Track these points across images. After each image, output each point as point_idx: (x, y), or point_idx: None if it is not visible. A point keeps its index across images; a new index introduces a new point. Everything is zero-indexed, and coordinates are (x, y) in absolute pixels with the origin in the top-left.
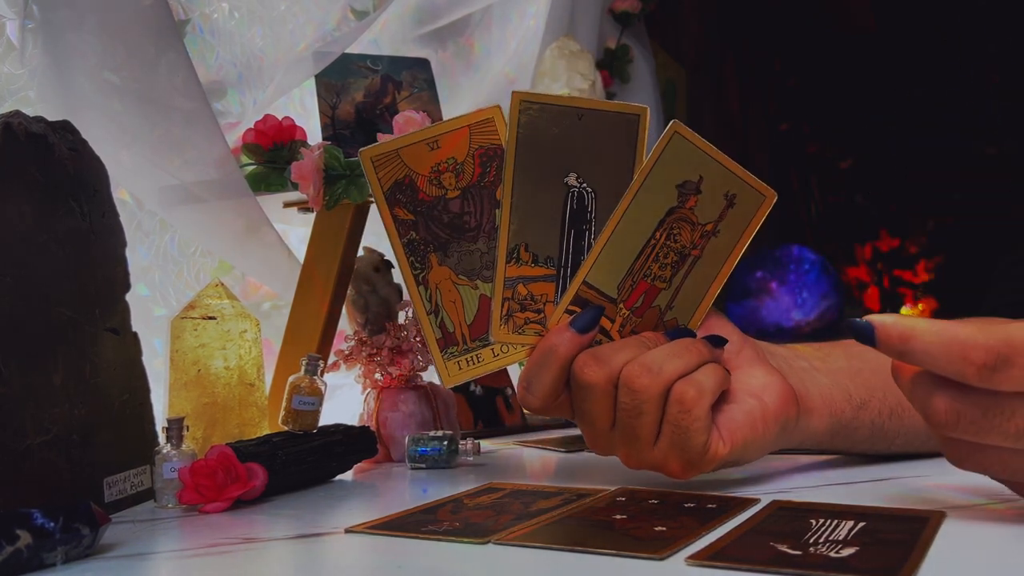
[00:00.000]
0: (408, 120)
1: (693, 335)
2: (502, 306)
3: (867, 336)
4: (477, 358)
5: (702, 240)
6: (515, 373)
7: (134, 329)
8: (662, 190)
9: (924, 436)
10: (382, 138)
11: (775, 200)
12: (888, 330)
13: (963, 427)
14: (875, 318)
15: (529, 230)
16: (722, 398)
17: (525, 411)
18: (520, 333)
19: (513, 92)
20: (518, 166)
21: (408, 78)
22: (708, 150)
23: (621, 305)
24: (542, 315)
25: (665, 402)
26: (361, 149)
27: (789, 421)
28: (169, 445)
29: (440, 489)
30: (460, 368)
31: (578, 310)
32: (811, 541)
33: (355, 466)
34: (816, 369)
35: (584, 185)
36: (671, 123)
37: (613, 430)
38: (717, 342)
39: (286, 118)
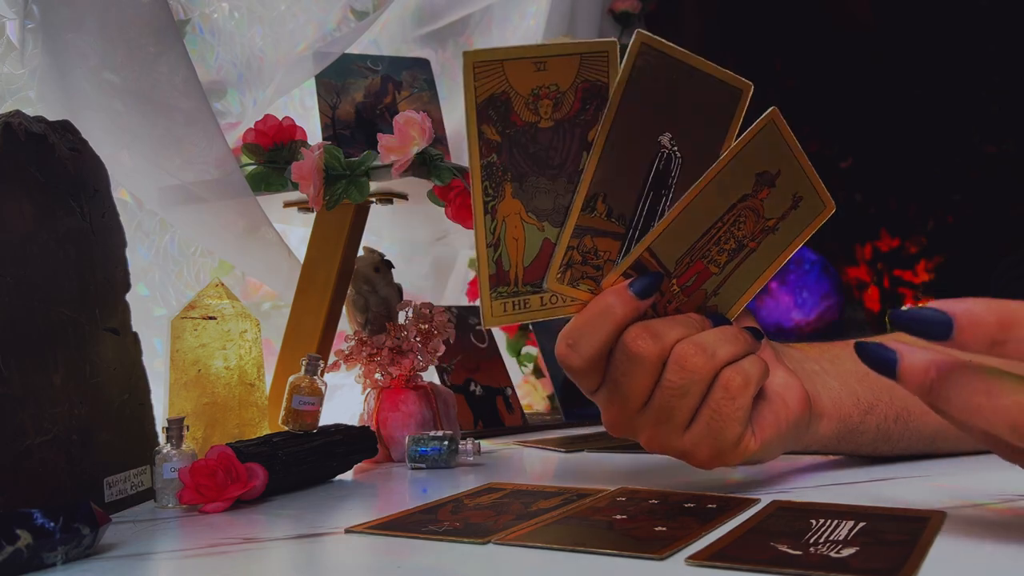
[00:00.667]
0: (408, 120)
1: (730, 324)
2: (565, 255)
3: (939, 328)
4: (524, 303)
5: (761, 234)
6: (515, 375)
7: (134, 329)
8: (743, 174)
9: (927, 440)
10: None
11: (832, 213)
12: (980, 317)
13: None
14: (952, 304)
15: (612, 182)
16: (758, 393)
17: (563, 369)
18: (575, 286)
19: (637, 31)
20: (620, 111)
21: (408, 78)
22: (794, 146)
23: (674, 281)
24: (600, 272)
25: (710, 387)
26: (465, 51)
27: (802, 424)
28: (169, 445)
29: (440, 489)
30: (505, 311)
31: (634, 275)
32: (811, 541)
33: (355, 466)
34: (826, 372)
35: (675, 148)
36: (770, 109)
37: (644, 410)
38: (758, 335)
39: (286, 118)
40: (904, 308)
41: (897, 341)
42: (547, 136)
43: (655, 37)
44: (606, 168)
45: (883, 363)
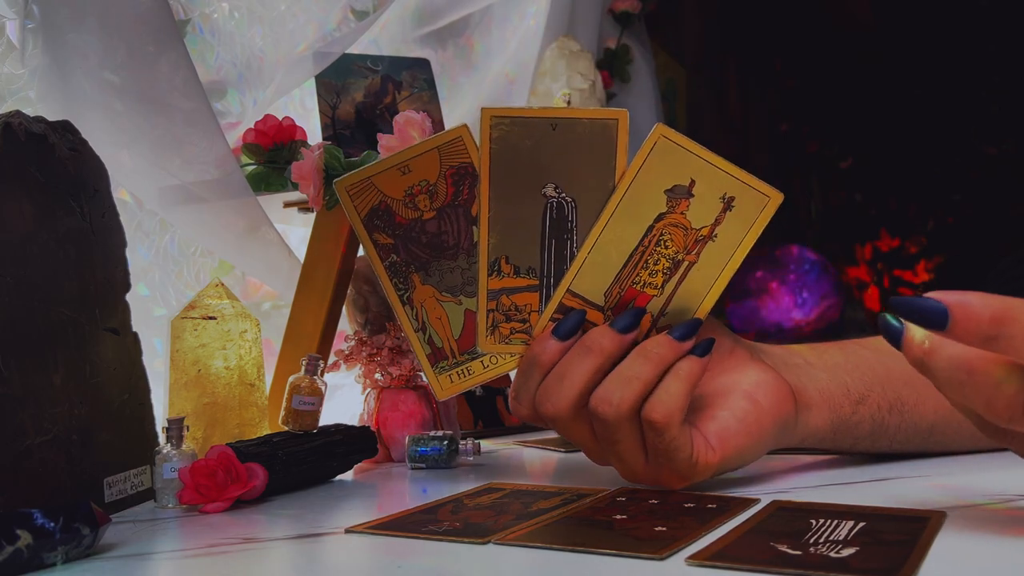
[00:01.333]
0: (408, 120)
1: (699, 323)
2: (487, 318)
3: (935, 319)
4: (468, 371)
5: (697, 245)
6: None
7: (134, 329)
8: (649, 196)
9: (925, 433)
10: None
11: (781, 201)
12: (974, 311)
13: None
14: (951, 296)
15: (509, 242)
16: (713, 404)
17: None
18: (507, 343)
19: (482, 108)
20: (493, 181)
21: (408, 78)
22: (700, 152)
23: (609, 312)
24: (528, 324)
25: (640, 421)
26: (335, 180)
27: (788, 419)
28: (169, 445)
29: (440, 489)
30: (452, 381)
31: (560, 318)
32: (811, 541)
33: (355, 466)
34: (812, 365)
35: (563, 195)
36: (655, 127)
37: (601, 451)
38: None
39: (286, 118)
40: (904, 296)
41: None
42: (434, 225)
43: (500, 108)
44: (499, 232)
45: (889, 332)
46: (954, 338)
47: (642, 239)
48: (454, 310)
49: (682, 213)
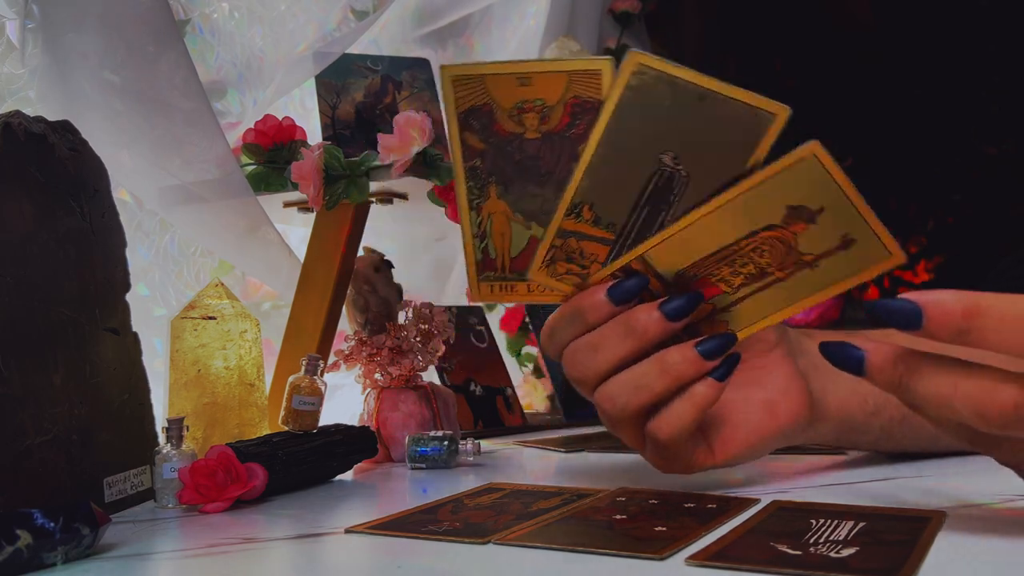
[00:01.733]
0: (408, 120)
1: (732, 340)
2: (548, 252)
3: (909, 319)
4: (511, 288)
5: (794, 267)
6: (515, 375)
7: (134, 329)
8: (770, 204)
9: (929, 440)
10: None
11: (898, 264)
12: (947, 307)
13: None
14: (923, 295)
15: (600, 192)
16: (728, 408)
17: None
18: (558, 279)
19: (630, 52)
20: (610, 128)
21: (408, 78)
22: (843, 184)
23: (672, 289)
24: (586, 272)
25: (644, 418)
26: (443, 64)
27: (797, 430)
28: (169, 445)
29: (440, 489)
30: (492, 291)
31: (621, 277)
32: (811, 541)
33: (355, 466)
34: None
35: (679, 167)
36: (811, 143)
37: None
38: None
39: (286, 118)
40: (879, 299)
41: (867, 340)
42: (534, 146)
43: (655, 58)
44: (593, 179)
45: (850, 361)
46: (929, 335)
47: (741, 239)
48: (520, 232)
49: (794, 232)
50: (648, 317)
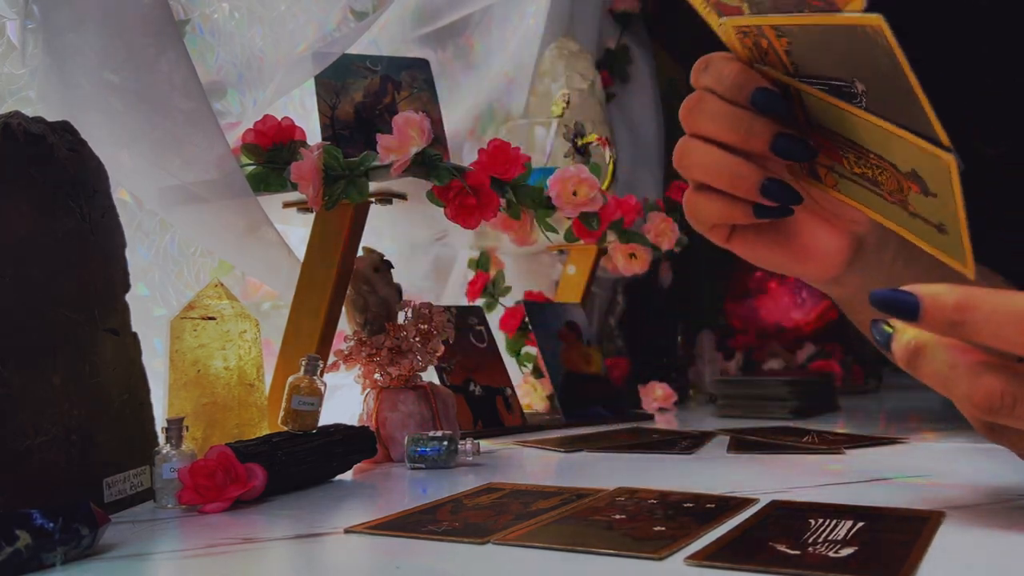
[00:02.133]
0: (408, 120)
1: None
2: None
3: (908, 310)
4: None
5: (893, 200)
6: (515, 375)
7: (134, 329)
8: (906, 156)
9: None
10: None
11: (967, 277)
12: (941, 300)
13: (1020, 412)
14: (922, 288)
15: (806, 48)
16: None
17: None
18: (741, 46)
19: (881, 18)
20: (837, 32)
21: (407, 78)
22: (957, 198)
23: (800, 116)
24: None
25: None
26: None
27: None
28: (169, 445)
29: (440, 489)
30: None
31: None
32: (810, 541)
33: (355, 466)
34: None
35: (864, 96)
36: (949, 156)
37: None
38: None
39: (286, 118)
40: (882, 289)
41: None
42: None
43: (894, 39)
44: (808, 38)
45: (880, 337)
46: (925, 326)
47: (874, 154)
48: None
49: (909, 187)
50: (763, 126)
